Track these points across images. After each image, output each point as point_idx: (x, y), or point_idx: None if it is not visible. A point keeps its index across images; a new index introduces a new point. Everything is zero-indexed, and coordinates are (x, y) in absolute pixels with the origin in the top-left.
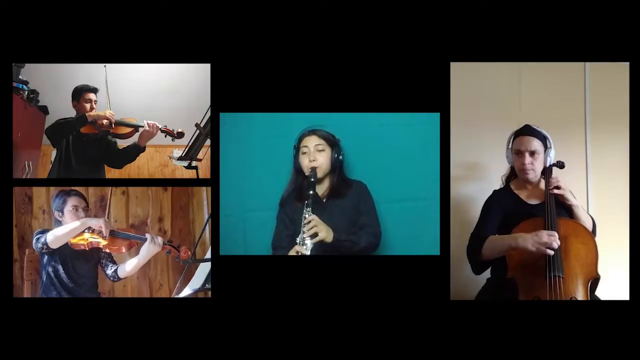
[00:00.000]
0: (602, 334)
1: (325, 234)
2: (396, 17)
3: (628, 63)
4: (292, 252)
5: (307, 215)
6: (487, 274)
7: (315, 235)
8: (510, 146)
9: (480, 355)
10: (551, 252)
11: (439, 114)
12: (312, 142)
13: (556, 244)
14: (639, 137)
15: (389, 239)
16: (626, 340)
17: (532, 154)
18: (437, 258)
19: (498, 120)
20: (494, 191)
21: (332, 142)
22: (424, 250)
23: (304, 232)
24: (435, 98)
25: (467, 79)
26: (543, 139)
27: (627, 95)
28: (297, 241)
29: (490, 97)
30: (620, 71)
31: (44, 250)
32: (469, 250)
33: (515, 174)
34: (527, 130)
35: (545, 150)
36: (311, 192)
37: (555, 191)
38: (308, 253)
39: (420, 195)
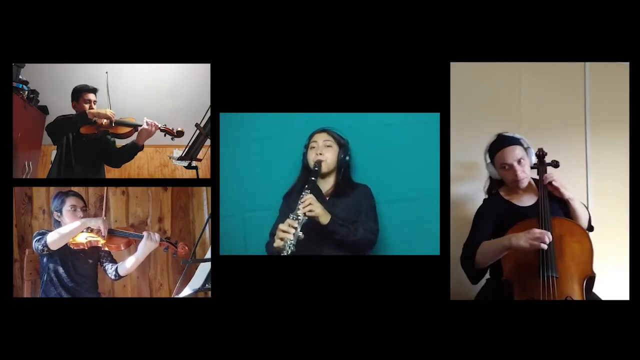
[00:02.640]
0: (602, 334)
1: (321, 212)
2: (396, 17)
3: (628, 63)
4: (282, 225)
5: (304, 195)
6: (487, 274)
7: (310, 211)
8: (489, 161)
9: (480, 356)
10: (545, 246)
11: (439, 114)
12: (321, 138)
13: (548, 238)
14: (639, 137)
15: (388, 239)
16: (626, 340)
17: (519, 161)
18: (437, 258)
19: (498, 121)
20: (485, 200)
21: (340, 142)
22: (424, 250)
23: (298, 209)
24: (435, 98)
25: (467, 79)
26: (520, 143)
27: (627, 95)
28: (290, 216)
29: (490, 97)
30: (620, 71)
31: (44, 252)
32: (463, 261)
33: (497, 184)
34: (504, 141)
35: (526, 151)
36: (313, 178)
37: (550, 185)
38: (299, 228)
39: (420, 195)
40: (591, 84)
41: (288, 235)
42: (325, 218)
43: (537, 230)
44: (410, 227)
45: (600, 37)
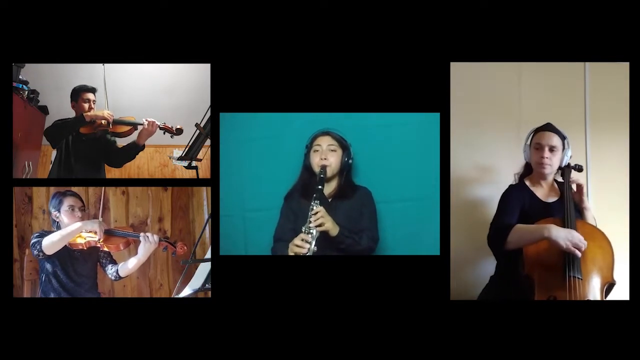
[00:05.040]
0: (602, 334)
1: (331, 226)
2: (396, 17)
3: (628, 63)
4: (296, 240)
5: (314, 207)
6: (491, 271)
7: (321, 225)
8: (529, 142)
9: (480, 356)
10: (579, 254)
11: (439, 114)
12: (325, 142)
13: (584, 248)
14: (639, 137)
15: (388, 239)
16: (626, 340)
17: (552, 149)
18: (437, 258)
19: (498, 121)
20: (510, 185)
21: (344, 146)
22: (424, 250)
23: (310, 222)
24: (435, 98)
25: (467, 79)
26: (562, 138)
27: (627, 95)
28: (303, 229)
29: (490, 97)
30: (620, 71)
31: (41, 257)
32: (492, 240)
33: (528, 172)
34: (548, 127)
35: (563, 149)
36: (320, 187)
37: (577, 191)
38: (313, 242)
39: (421, 195)
40: (591, 84)
41: (302, 249)
42: (334, 230)
43: (578, 236)
44: (410, 227)
45: (600, 37)
